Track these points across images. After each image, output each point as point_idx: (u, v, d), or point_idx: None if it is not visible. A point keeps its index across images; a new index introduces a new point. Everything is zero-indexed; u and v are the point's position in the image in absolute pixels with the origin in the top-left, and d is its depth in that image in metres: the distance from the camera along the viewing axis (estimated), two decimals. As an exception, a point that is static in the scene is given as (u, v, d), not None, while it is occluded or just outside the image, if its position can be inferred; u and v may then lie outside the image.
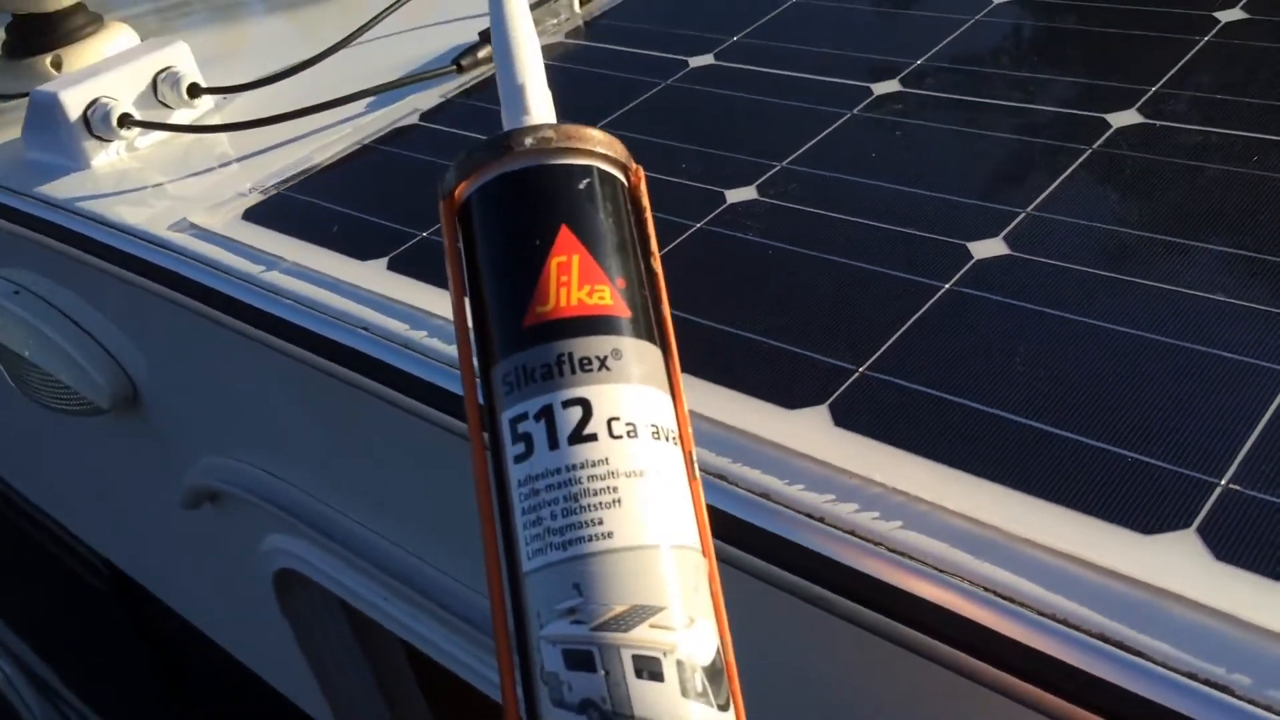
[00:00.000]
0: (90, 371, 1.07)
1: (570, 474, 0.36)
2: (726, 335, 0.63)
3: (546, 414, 0.37)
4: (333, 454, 0.89)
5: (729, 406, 0.59)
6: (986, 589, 0.47)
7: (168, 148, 1.02)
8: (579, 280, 0.38)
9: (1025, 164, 0.72)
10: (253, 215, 0.87)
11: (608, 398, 0.37)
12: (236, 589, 1.19)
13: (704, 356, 0.62)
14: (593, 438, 0.36)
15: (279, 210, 0.86)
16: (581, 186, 0.40)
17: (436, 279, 0.74)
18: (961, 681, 0.47)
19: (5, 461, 1.68)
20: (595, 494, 0.36)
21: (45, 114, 1.01)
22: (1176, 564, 0.45)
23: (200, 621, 1.40)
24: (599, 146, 0.41)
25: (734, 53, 0.95)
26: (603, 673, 0.34)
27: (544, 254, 0.39)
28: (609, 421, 0.37)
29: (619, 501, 0.36)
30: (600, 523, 0.35)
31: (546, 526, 0.36)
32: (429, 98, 0.99)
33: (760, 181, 0.77)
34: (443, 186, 0.41)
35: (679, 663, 0.34)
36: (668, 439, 0.38)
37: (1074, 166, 0.71)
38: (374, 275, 0.76)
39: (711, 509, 0.55)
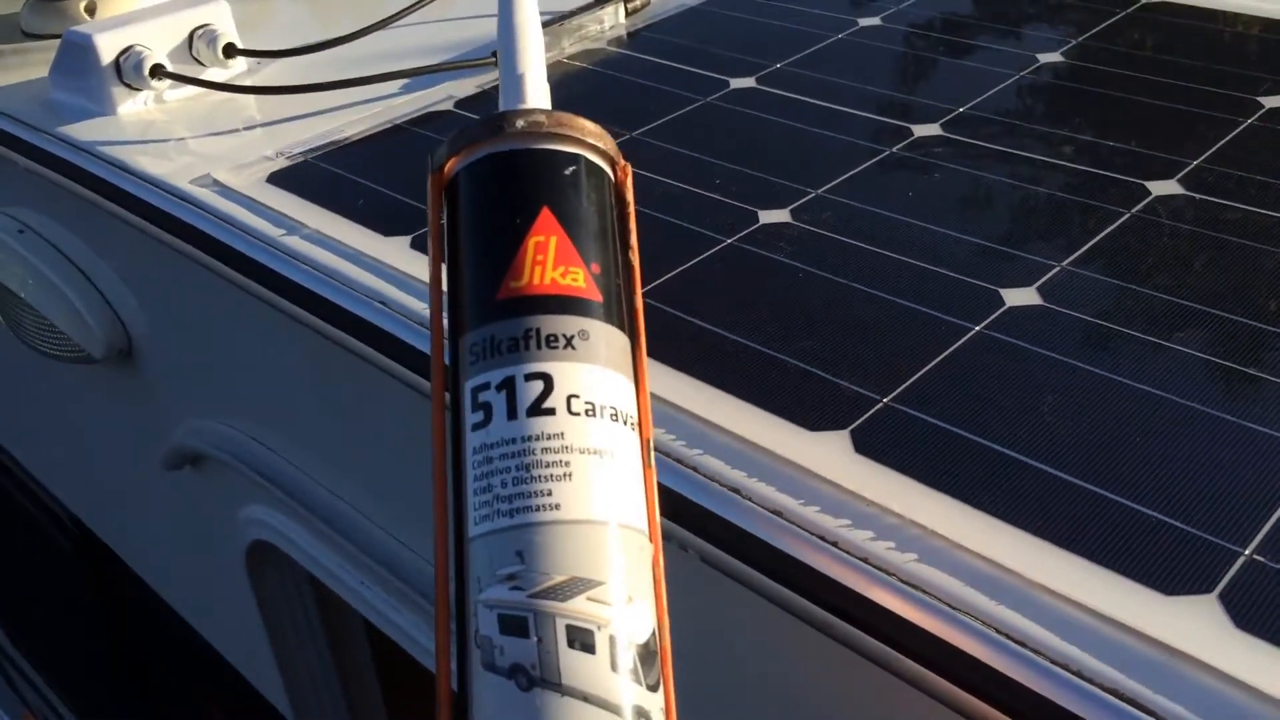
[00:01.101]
0: (87, 319, 1.05)
1: (524, 444, 0.36)
2: (750, 351, 0.63)
3: (508, 385, 0.37)
4: (328, 428, 0.87)
5: (748, 421, 0.58)
6: (999, 631, 0.46)
7: (196, 104, 1.01)
8: (554, 260, 0.39)
9: (1063, 220, 0.72)
10: (277, 179, 0.86)
11: (570, 375, 0.38)
12: (207, 557, 1.17)
13: (726, 369, 0.61)
14: (550, 412, 0.37)
15: (304, 177, 0.86)
16: (567, 173, 0.41)
17: (460, 262, 0.73)
18: (963, 723, 0.47)
19: None
20: (547, 466, 0.36)
21: (77, 55, 1.00)
22: (1196, 628, 0.45)
23: (164, 588, 1.38)
24: (588, 136, 0.42)
25: (776, 79, 0.95)
26: (535, 639, 0.34)
27: (523, 232, 0.39)
28: (569, 398, 0.37)
29: (570, 476, 0.36)
30: (549, 494, 0.36)
31: (496, 494, 0.36)
32: (465, 86, 0.99)
33: (794, 206, 0.76)
34: (433, 160, 0.42)
35: (612, 638, 0.34)
36: (626, 423, 0.38)
37: (1111, 228, 0.71)
38: (396, 252, 0.75)
39: (720, 521, 0.54)
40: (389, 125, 0.93)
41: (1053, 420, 0.56)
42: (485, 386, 0.38)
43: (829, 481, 0.54)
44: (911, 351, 0.62)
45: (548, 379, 0.37)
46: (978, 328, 0.63)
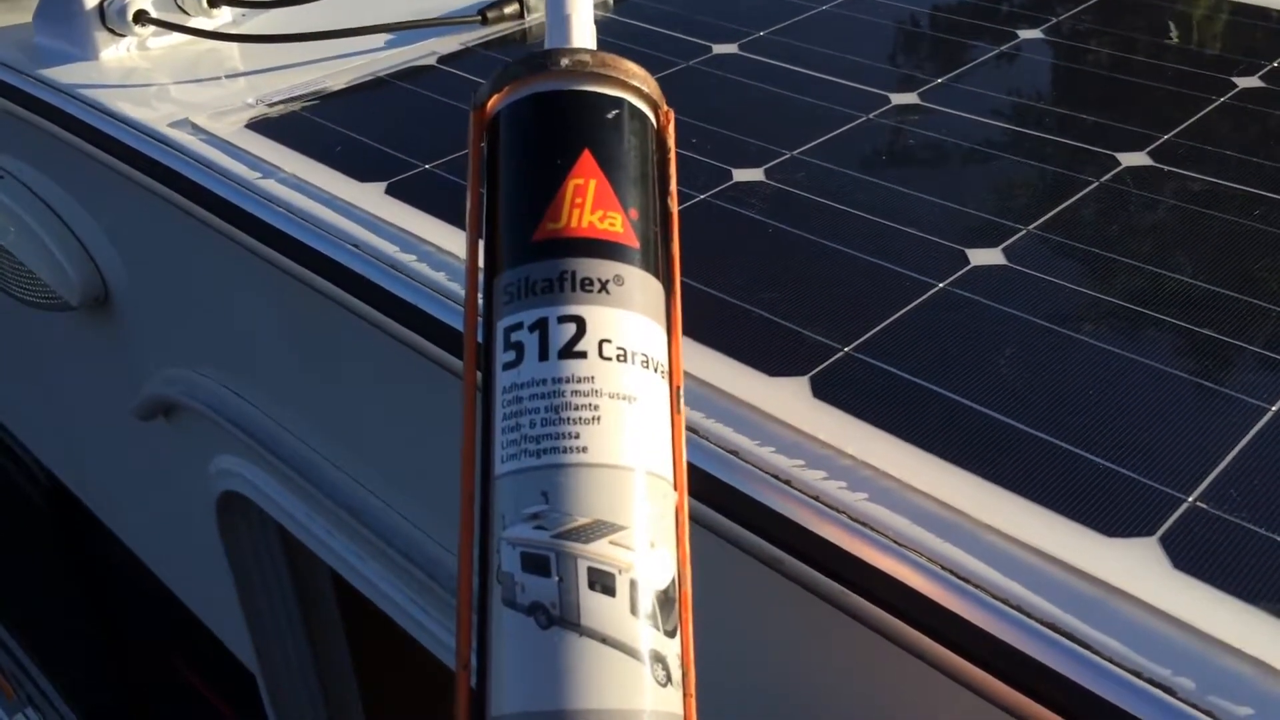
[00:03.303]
0: (65, 265, 1.05)
1: (555, 386, 0.36)
2: (716, 300, 0.63)
3: (541, 326, 0.37)
4: (300, 376, 0.88)
5: (709, 365, 0.58)
6: (944, 568, 0.47)
7: (179, 52, 1.01)
8: (593, 204, 0.39)
9: (1031, 186, 0.73)
10: (256, 126, 0.86)
11: (603, 320, 0.37)
12: (177, 509, 1.17)
13: (691, 316, 0.62)
14: (582, 355, 0.37)
15: (283, 125, 0.86)
16: (610, 116, 0.41)
17: (433, 207, 0.73)
18: (908, 658, 0.47)
19: None
20: (576, 409, 0.36)
21: (61, -1, 1.00)
22: (1135, 567, 0.45)
23: (133, 541, 1.38)
24: (633, 79, 0.41)
25: (758, 46, 0.95)
26: (556, 579, 0.34)
27: (563, 174, 0.39)
28: (600, 342, 0.37)
29: (598, 420, 0.36)
30: (577, 436, 0.36)
31: (524, 434, 0.36)
32: (449, 43, 0.99)
33: (769, 166, 0.77)
34: (475, 98, 0.42)
35: (633, 582, 0.34)
36: (656, 370, 0.38)
37: (1079, 196, 0.72)
38: (371, 197, 0.75)
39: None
40: (371, 78, 0.93)
41: (1009, 372, 0.57)
42: (518, 326, 0.37)
43: (786, 424, 0.54)
44: (875, 305, 0.62)
45: (580, 322, 0.37)
46: (942, 284, 0.64)
